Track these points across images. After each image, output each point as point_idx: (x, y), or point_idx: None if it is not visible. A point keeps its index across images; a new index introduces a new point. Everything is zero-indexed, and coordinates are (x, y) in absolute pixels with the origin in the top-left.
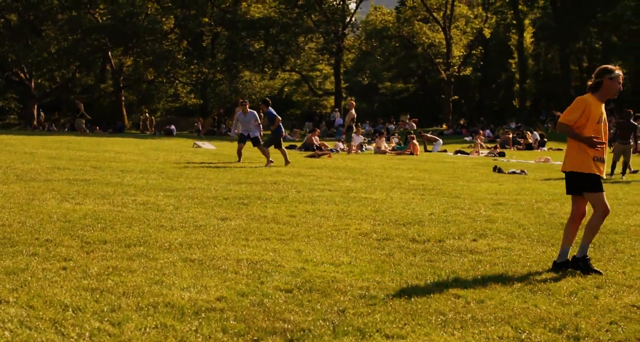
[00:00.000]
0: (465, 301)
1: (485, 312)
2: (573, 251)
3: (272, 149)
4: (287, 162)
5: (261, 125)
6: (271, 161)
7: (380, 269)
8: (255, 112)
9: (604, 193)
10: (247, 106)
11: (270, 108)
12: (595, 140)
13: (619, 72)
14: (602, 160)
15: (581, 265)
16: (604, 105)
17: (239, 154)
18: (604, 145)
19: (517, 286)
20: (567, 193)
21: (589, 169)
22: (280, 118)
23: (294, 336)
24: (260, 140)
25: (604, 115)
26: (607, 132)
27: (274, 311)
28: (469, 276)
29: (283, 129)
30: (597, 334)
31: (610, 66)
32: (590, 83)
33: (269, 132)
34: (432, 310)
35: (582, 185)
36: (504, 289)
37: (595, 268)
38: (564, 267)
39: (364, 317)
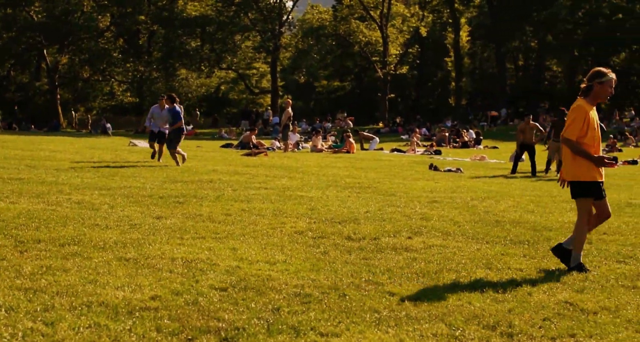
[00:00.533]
0: (399, 298)
1: (420, 310)
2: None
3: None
4: (178, 163)
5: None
6: (180, 161)
7: (315, 267)
8: (178, 109)
9: (605, 200)
10: (164, 101)
11: (176, 105)
12: (606, 161)
13: (611, 76)
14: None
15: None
16: (595, 108)
17: (158, 152)
18: (599, 148)
19: (452, 283)
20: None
21: (592, 178)
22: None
23: (228, 334)
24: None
25: (597, 118)
26: (599, 135)
27: (209, 309)
28: (404, 273)
29: (185, 130)
30: (531, 331)
31: (602, 70)
32: (582, 86)
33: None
34: (366, 308)
35: (572, 191)
36: (438, 286)
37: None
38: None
39: (299, 316)
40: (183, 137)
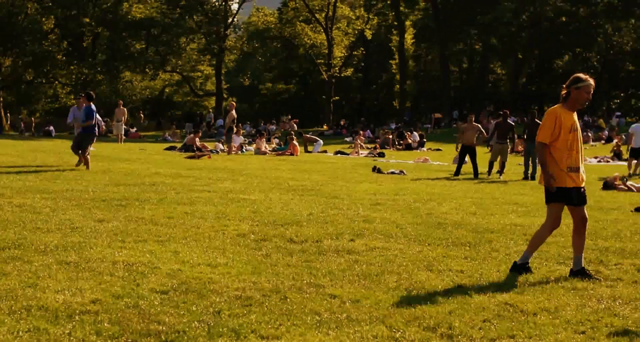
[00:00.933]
0: (340, 300)
1: (360, 312)
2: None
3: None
4: (88, 166)
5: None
6: (81, 163)
7: (257, 269)
8: (93, 108)
9: (583, 207)
10: (81, 100)
11: (92, 104)
12: (552, 181)
13: (588, 82)
14: (577, 170)
15: (520, 270)
16: (575, 114)
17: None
18: (579, 153)
19: (393, 285)
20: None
21: (562, 183)
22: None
23: (168, 337)
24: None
25: (577, 124)
26: (580, 139)
27: (149, 313)
28: (346, 276)
29: (96, 132)
30: (471, 332)
31: (580, 76)
32: (562, 93)
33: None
34: (307, 310)
35: (546, 196)
36: (380, 288)
37: (591, 274)
38: (579, 275)
39: (239, 318)
40: (94, 138)
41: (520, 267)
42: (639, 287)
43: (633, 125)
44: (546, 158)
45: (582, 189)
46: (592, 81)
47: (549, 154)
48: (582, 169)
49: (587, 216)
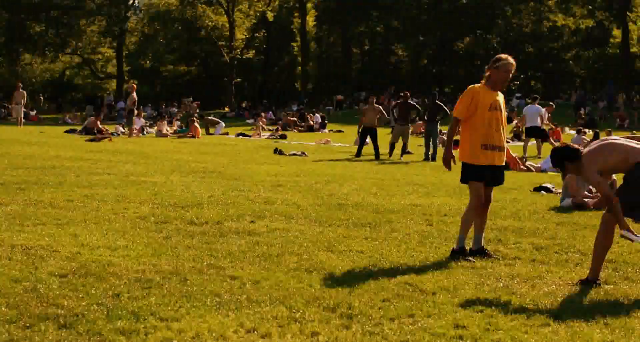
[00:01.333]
0: (240, 282)
1: (261, 293)
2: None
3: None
4: None
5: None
6: None
7: (157, 252)
8: None
9: (482, 184)
10: None
11: None
12: (446, 161)
13: (505, 61)
14: (495, 148)
15: (479, 255)
16: (499, 94)
17: None
18: (500, 132)
19: (293, 266)
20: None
21: (475, 160)
22: None
23: (67, 321)
24: None
25: (500, 103)
26: (502, 119)
27: (48, 296)
28: (246, 257)
29: None
30: (370, 312)
31: (500, 56)
32: (485, 74)
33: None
34: (207, 292)
35: (462, 175)
36: (280, 269)
37: (490, 253)
38: (478, 254)
39: (139, 301)
40: None
41: (458, 252)
42: (536, 266)
43: (525, 107)
44: (453, 133)
45: (500, 169)
46: (511, 60)
47: (467, 130)
48: (502, 148)
49: (491, 198)
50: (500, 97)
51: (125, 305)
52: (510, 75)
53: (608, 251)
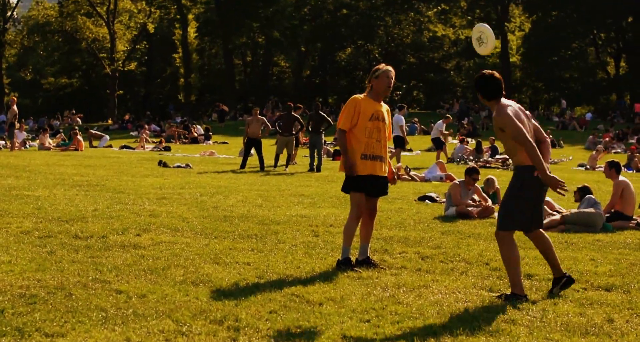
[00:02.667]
0: (127, 296)
1: (147, 307)
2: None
3: None
4: None
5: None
6: None
7: (42, 267)
8: None
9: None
10: None
11: None
12: (352, 169)
13: (384, 69)
14: (376, 158)
15: (366, 265)
16: (382, 104)
17: None
18: (381, 143)
19: (180, 279)
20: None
21: (355, 171)
22: None
23: None
24: None
25: (383, 114)
26: (384, 129)
27: None
28: (132, 271)
29: None
30: (257, 324)
31: (377, 66)
32: (367, 87)
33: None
34: (93, 306)
35: (344, 184)
36: (166, 282)
37: (376, 263)
38: (365, 264)
39: (24, 317)
40: None
41: (343, 263)
42: (422, 275)
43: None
44: (346, 144)
45: (382, 179)
46: (389, 68)
47: (349, 140)
48: (384, 159)
49: (377, 208)
50: (384, 107)
51: (9, 321)
52: (392, 81)
53: (519, 263)
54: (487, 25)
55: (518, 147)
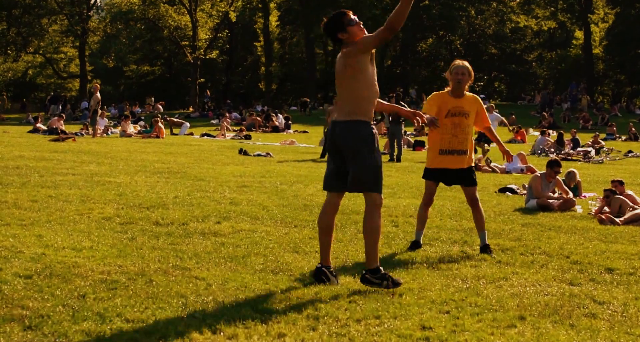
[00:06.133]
0: (206, 283)
1: (227, 294)
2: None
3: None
4: None
5: None
6: None
7: (123, 253)
8: None
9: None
10: None
11: None
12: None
13: (454, 64)
14: (453, 152)
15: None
16: (466, 97)
17: None
18: (458, 138)
19: (259, 267)
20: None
21: (431, 164)
22: None
23: (32, 322)
24: None
25: (462, 109)
26: (462, 124)
27: (13, 297)
28: (212, 258)
29: None
30: (337, 313)
31: (453, 62)
32: None
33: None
34: (173, 293)
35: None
36: (246, 270)
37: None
38: (484, 251)
39: (105, 302)
40: None
41: (412, 244)
42: (502, 267)
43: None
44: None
45: (459, 172)
46: (457, 62)
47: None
48: (464, 152)
49: (475, 197)
50: (469, 100)
51: (90, 306)
52: (461, 77)
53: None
54: None
55: None
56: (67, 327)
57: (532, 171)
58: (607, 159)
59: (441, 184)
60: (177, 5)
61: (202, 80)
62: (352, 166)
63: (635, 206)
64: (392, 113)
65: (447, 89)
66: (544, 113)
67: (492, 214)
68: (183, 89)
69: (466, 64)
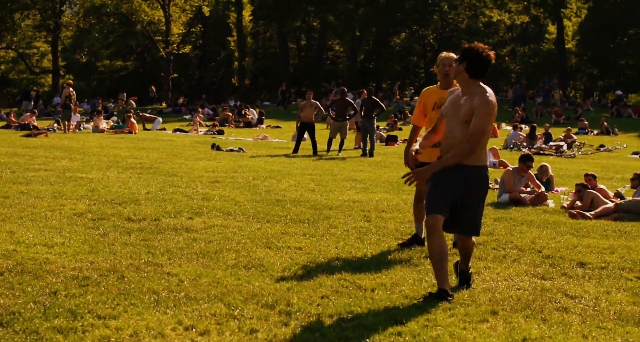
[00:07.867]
0: (178, 279)
1: (199, 290)
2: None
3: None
4: None
5: None
6: None
7: (95, 249)
8: None
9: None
10: None
11: None
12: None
13: (440, 56)
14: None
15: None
16: (452, 91)
17: None
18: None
19: (232, 263)
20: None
21: (426, 158)
22: None
23: (3, 319)
24: None
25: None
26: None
27: None
28: (184, 254)
29: None
30: (309, 309)
31: (440, 55)
32: None
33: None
34: (145, 289)
35: None
36: (218, 266)
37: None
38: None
39: (76, 299)
40: None
41: (411, 239)
42: (474, 262)
43: None
44: (411, 138)
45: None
46: (443, 54)
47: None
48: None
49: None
50: (453, 95)
51: (62, 303)
52: (447, 69)
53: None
54: None
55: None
56: (38, 324)
57: (505, 166)
58: (579, 153)
59: None
60: (150, 0)
61: (175, 75)
62: None
63: (607, 201)
64: (364, 108)
65: (438, 83)
66: (517, 108)
67: None
68: (156, 84)
69: (452, 55)
